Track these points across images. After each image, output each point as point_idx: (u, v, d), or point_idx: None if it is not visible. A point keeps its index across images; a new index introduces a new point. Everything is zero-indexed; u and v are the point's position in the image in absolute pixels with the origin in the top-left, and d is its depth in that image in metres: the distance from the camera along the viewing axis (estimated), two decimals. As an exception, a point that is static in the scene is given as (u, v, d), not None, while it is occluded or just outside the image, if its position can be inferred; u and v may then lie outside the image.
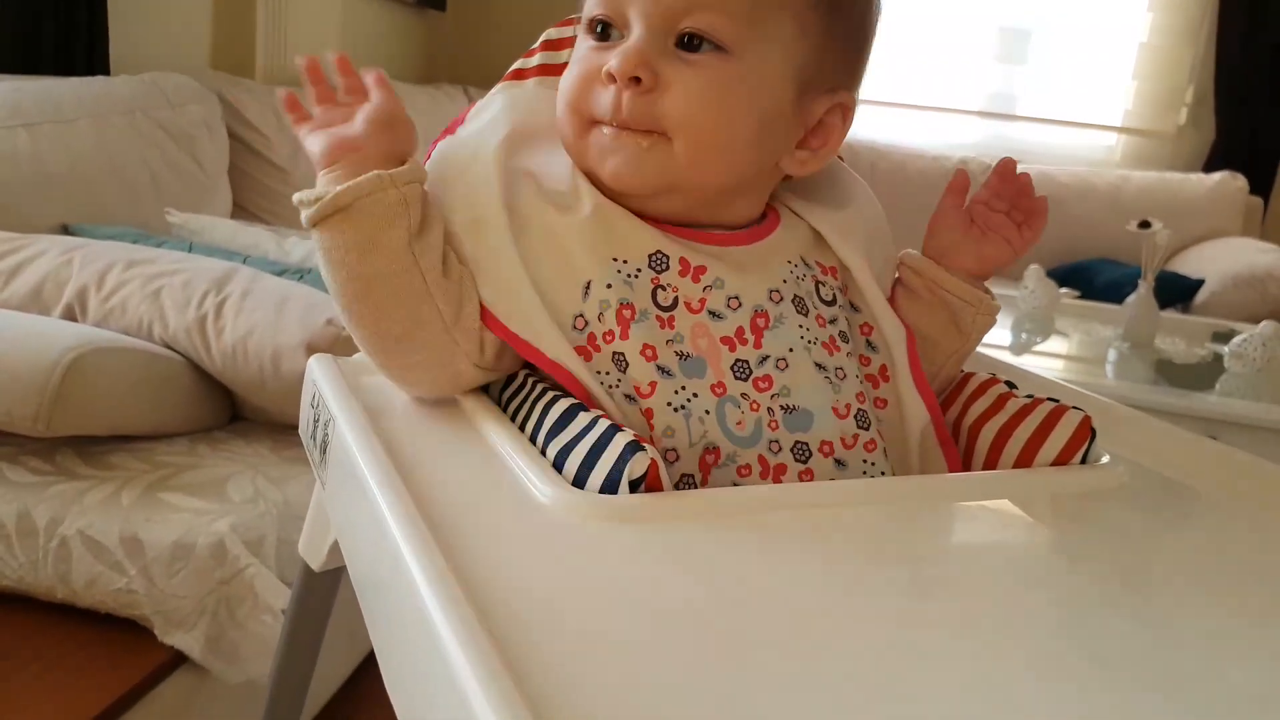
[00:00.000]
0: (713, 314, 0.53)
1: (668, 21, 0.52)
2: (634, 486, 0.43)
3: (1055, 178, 3.17)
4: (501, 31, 3.19)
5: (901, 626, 0.37)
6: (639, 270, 0.52)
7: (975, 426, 0.57)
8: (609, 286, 0.51)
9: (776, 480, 0.51)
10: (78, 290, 1.14)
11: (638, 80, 0.51)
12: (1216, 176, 3.18)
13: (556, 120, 0.56)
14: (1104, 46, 3.37)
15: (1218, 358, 1.93)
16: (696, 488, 0.50)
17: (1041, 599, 0.41)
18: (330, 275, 0.51)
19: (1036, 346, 2.05)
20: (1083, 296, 2.44)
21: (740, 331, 0.53)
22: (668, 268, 0.53)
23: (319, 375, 0.58)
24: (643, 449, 0.43)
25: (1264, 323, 1.83)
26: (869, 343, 0.58)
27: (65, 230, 1.46)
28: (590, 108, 0.53)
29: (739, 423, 0.51)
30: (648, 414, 0.50)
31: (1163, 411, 1.54)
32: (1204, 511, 0.55)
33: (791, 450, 0.52)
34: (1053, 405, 0.54)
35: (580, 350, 0.51)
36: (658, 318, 0.52)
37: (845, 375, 0.55)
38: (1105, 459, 0.54)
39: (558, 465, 0.46)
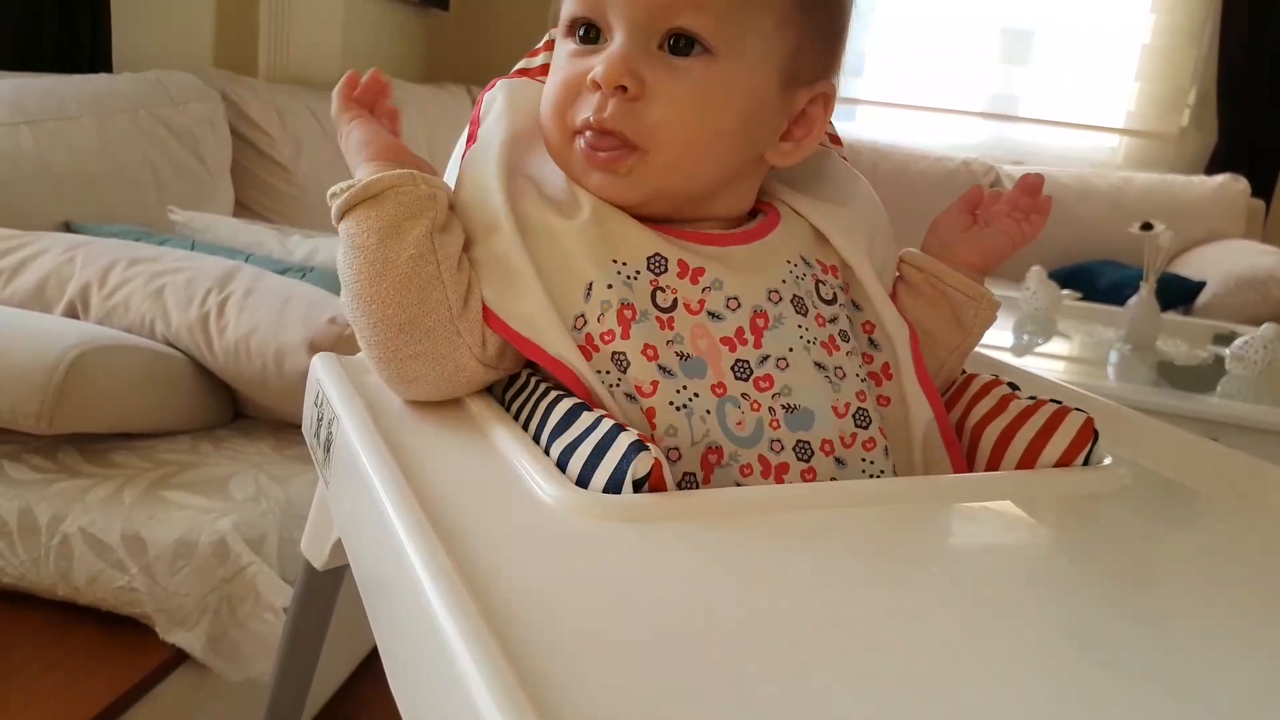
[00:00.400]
0: (712, 315, 0.53)
1: (652, 22, 0.52)
2: (638, 486, 0.43)
3: (1057, 179, 3.17)
4: (504, 30, 3.19)
5: (905, 627, 0.37)
6: (638, 272, 0.52)
7: (978, 428, 0.57)
8: (609, 287, 0.51)
9: (779, 479, 0.51)
10: (80, 288, 1.14)
11: (623, 89, 0.51)
12: (1219, 178, 3.18)
13: (541, 127, 0.56)
14: (1106, 48, 3.37)
15: (1219, 360, 1.93)
16: (698, 487, 0.50)
17: (1044, 600, 0.42)
18: (348, 260, 0.52)
19: (1038, 348, 2.05)
20: (1084, 298, 2.44)
21: (740, 332, 0.53)
22: (666, 270, 0.53)
23: (322, 374, 0.58)
24: (647, 448, 0.43)
25: (1265, 325, 1.83)
26: (871, 341, 0.58)
27: (68, 228, 1.46)
28: (573, 116, 0.54)
29: (739, 423, 0.51)
30: (649, 413, 0.50)
31: (1164, 413, 1.54)
32: (1206, 513, 0.55)
33: (794, 449, 0.52)
34: (1055, 407, 0.54)
35: (580, 350, 0.51)
36: (658, 319, 0.52)
37: (845, 374, 0.55)
38: (1108, 461, 0.54)
39: (561, 465, 0.46)
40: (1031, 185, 0.63)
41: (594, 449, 0.45)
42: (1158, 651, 0.37)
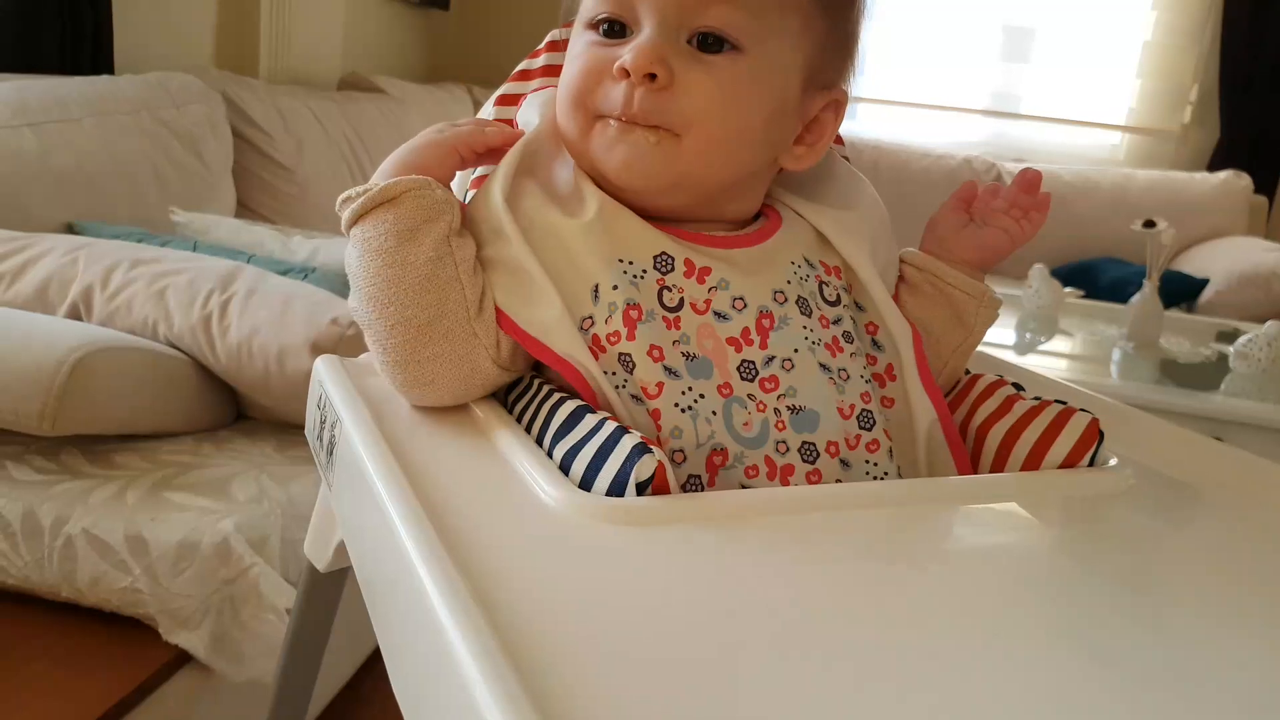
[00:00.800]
0: (718, 315, 0.53)
1: (682, 19, 0.52)
2: (641, 489, 0.43)
3: (1059, 176, 3.17)
4: (504, 30, 3.19)
5: (910, 629, 0.37)
6: (644, 271, 0.52)
7: (983, 428, 0.57)
8: (615, 288, 0.51)
9: (784, 481, 0.51)
10: (83, 289, 1.14)
11: (652, 77, 0.51)
12: (1221, 175, 3.18)
13: (557, 116, 0.56)
14: (1108, 45, 3.36)
15: (1223, 357, 1.93)
16: (703, 489, 0.50)
17: (1050, 602, 0.41)
18: (364, 262, 0.51)
19: (1041, 346, 2.05)
20: (1087, 296, 2.44)
21: (746, 332, 0.53)
22: (673, 269, 0.53)
23: (325, 376, 0.58)
24: (650, 451, 0.43)
25: (1269, 322, 1.83)
26: (875, 342, 0.58)
27: (70, 229, 1.47)
28: (596, 103, 0.53)
29: (746, 423, 0.51)
30: (655, 414, 0.50)
31: (1168, 411, 1.54)
32: (1212, 514, 0.55)
33: (799, 451, 0.52)
34: (1061, 407, 0.54)
35: (588, 351, 0.50)
36: (664, 319, 0.51)
37: (849, 376, 0.55)
38: (1113, 461, 0.54)
39: (564, 467, 0.46)
40: (1030, 181, 0.63)
41: (597, 451, 0.45)
42: (1164, 652, 0.37)
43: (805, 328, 0.54)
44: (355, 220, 0.52)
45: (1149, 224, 1.88)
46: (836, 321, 0.56)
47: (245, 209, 2.02)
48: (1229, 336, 2.04)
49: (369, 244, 0.51)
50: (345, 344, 1.08)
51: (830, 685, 0.32)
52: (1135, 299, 1.95)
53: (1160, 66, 3.37)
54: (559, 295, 0.51)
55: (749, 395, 0.51)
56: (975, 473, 0.57)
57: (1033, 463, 0.53)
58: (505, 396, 0.55)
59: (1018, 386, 0.59)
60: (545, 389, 0.52)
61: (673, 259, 0.53)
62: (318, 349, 1.06)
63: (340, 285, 1.31)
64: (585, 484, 0.44)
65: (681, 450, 0.49)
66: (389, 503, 0.41)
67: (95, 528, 0.94)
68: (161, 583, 0.92)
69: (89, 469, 1.04)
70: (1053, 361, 1.94)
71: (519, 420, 0.52)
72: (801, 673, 0.33)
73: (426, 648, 0.34)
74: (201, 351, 1.12)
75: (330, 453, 0.55)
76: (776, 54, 0.53)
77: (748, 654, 0.34)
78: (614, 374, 0.50)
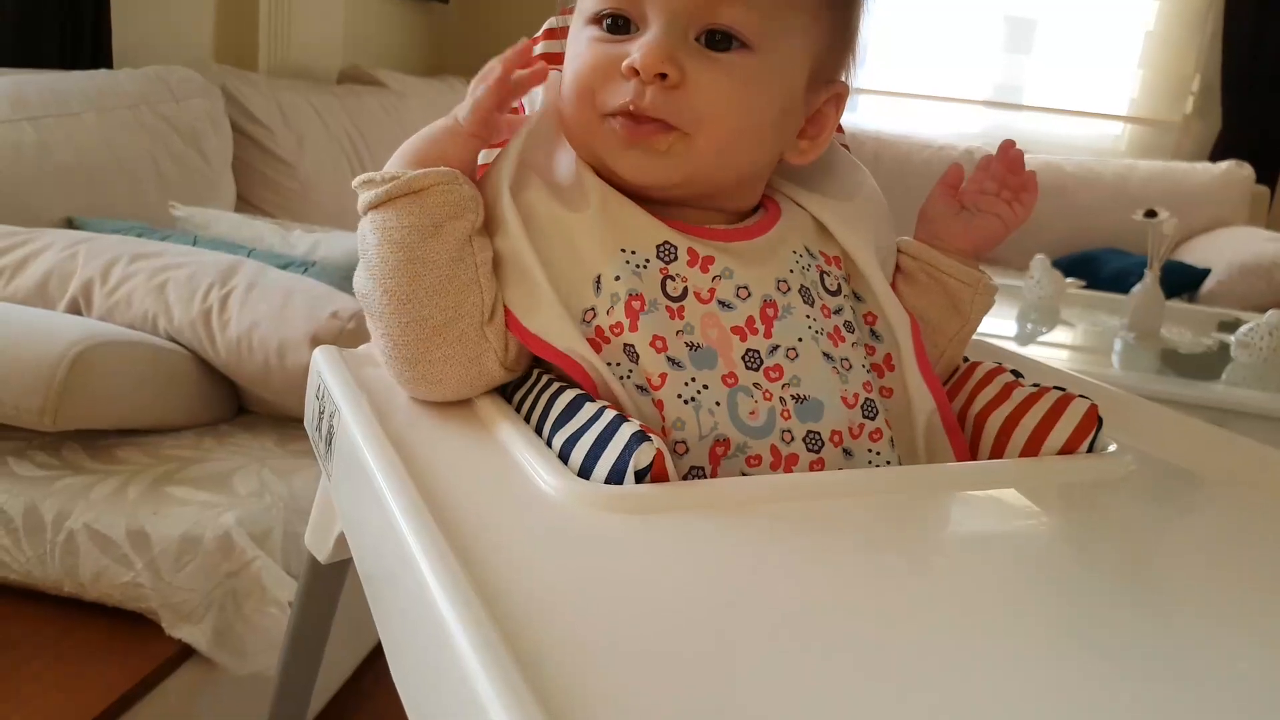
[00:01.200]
0: (722, 304, 0.52)
1: (691, 16, 0.51)
2: (640, 477, 0.43)
3: (1061, 167, 3.16)
4: (504, 23, 3.18)
5: (909, 616, 0.37)
6: (647, 261, 0.52)
7: (981, 415, 0.57)
8: (617, 279, 0.51)
9: (788, 470, 0.51)
10: (83, 284, 1.14)
11: (662, 76, 0.51)
12: (1223, 165, 3.17)
13: (563, 113, 0.56)
14: (1110, 35, 3.35)
15: (1224, 347, 1.93)
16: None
17: (1049, 588, 0.41)
18: (384, 255, 0.50)
19: (1042, 336, 2.05)
20: (1088, 286, 2.43)
21: (750, 321, 0.52)
22: (676, 258, 0.53)
23: (324, 367, 0.58)
24: (649, 439, 0.43)
25: (1270, 312, 1.83)
26: (873, 332, 0.58)
27: (70, 224, 1.47)
28: (605, 101, 0.53)
29: (752, 412, 0.51)
30: (659, 405, 0.49)
31: (1169, 401, 1.53)
32: (1211, 500, 0.55)
33: (804, 440, 0.51)
34: (1059, 394, 0.54)
35: (589, 343, 0.50)
36: (667, 308, 0.51)
37: (851, 365, 0.55)
38: (1112, 447, 0.54)
39: (563, 456, 0.46)
40: (1013, 159, 0.63)
41: (596, 440, 0.45)
42: (1162, 639, 0.37)
43: (808, 317, 0.54)
44: (376, 205, 0.51)
45: (1150, 214, 1.88)
46: (838, 311, 0.56)
47: (245, 203, 2.01)
48: (1230, 326, 2.04)
49: (389, 234, 0.50)
50: (345, 338, 1.07)
51: (828, 672, 0.32)
52: (1137, 289, 1.95)
53: (1162, 57, 3.36)
54: (559, 290, 0.51)
55: (754, 384, 0.51)
56: (974, 460, 0.57)
57: (1032, 449, 0.53)
58: (504, 386, 0.55)
59: (1016, 373, 0.59)
60: (544, 378, 0.52)
61: (676, 248, 0.53)
62: (318, 342, 1.06)
63: (340, 279, 1.31)
64: (584, 472, 0.44)
65: (684, 442, 0.49)
66: (388, 493, 0.41)
67: (97, 523, 0.94)
68: (164, 577, 0.92)
69: (90, 464, 1.04)
70: (1054, 352, 1.94)
71: (518, 409, 0.52)
72: (800, 661, 0.33)
73: (426, 638, 0.34)
74: (202, 345, 1.12)
75: (329, 444, 0.55)
76: (785, 52, 0.53)
77: (747, 642, 0.34)
78: (618, 365, 0.50)
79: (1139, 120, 3.45)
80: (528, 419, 0.51)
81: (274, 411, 1.21)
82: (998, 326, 1.96)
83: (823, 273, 0.57)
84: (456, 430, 0.50)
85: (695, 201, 0.56)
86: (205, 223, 1.55)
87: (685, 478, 0.49)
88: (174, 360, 1.11)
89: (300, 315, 1.09)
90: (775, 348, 0.52)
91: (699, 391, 0.50)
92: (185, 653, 0.94)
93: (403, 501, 0.40)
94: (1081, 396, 0.54)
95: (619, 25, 0.53)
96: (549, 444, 0.47)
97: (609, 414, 0.46)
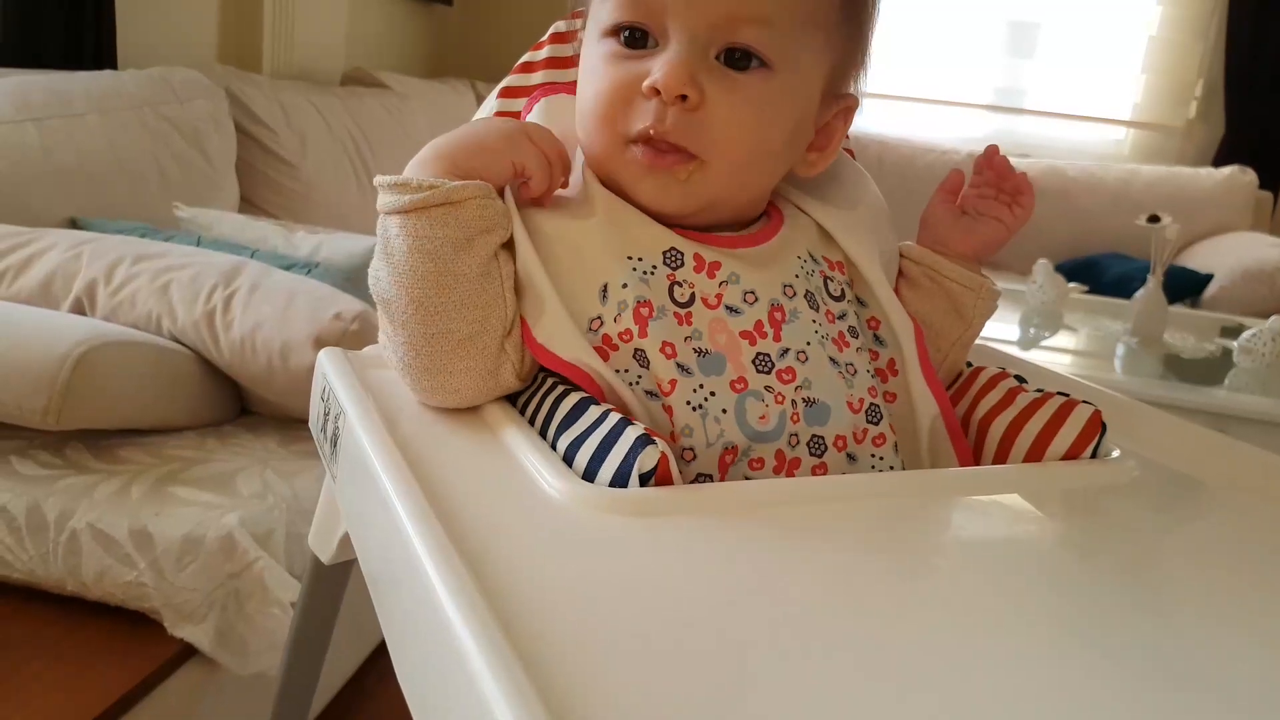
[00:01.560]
0: (730, 309, 0.52)
1: (712, 34, 0.51)
2: (644, 480, 0.43)
3: (1064, 172, 3.16)
4: (508, 25, 3.18)
5: (912, 620, 0.37)
6: (654, 267, 0.52)
7: (985, 421, 0.57)
8: (625, 286, 0.51)
9: (790, 474, 0.51)
10: (87, 284, 1.15)
11: (684, 97, 0.50)
12: (1226, 171, 3.17)
13: (581, 131, 0.55)
14: (1113, 40, 3.35)
15: (1227, 353, 1.93)
16: None
17: (1052, 594, 0.41)
18: (414, 264, 0.49)
19: (1044, 341, 2.05)
20: (1091, 291, 2.43)
21: (759, 325, 0.52)
22: (683, 264, 0.53)
23: (329, 368, 0.58)
24: (654, 442, 0.43)
25: (1273, 317, 1.83)
26: (877, 337, 0.58)
27: (74, 225, 1.47)
28: (627, 125, 0.52)
29: (762, 417, 0.50)
30: (669, 410, 0.49)
31: (1172, 407, 1.53)
32: (1215, 506, 0.55)
33: (808, 444, 0.52)
34: (1063, 399, 0.54)
35: (597, 351, 0.50)
36: (675, 314, 0.51)
37: (856, 370, 0.55)
38: (1116, 453, 0.54)
39: (568, 459, 0.46)
40: (998, 167, 0.63)
41: (601, 442, 0.45)
42: (1166, 645, 0.37)
43: (814, 322, 0.54)
44: (408, 210, 0.49)
45: (1154, 219, 1.88)
46: (842, 316, 0.56)
47: (248, 204, 2.02)
48: (1233, 332, 2.03)
49: (421, 244, 0.49)
50: (348, 339, 1.08)
51: (831, 676, 0.32)
52: (1139, 294, 1.95)
53: (1165, 62, 3.36)
54: (564, 300, 0.50)
55: (766, 387, 0.51)
56: (978, 465, 0.57)
57: (1035, 455, 0.53)
58: (509, 389, 0.55)
59: (1020, 379, 0.59)
60: (549, 381, 0.52)
61: (682, 254, 0.53)
62: (321, 344, 1.07)
63: (343, 281, 1.31)
64: (589, 475, 0.44)
65: (692, 449, 0.49)
66: (393, 494, 0.41)
67: (100, 522, 0.95)
68: (166, 577, 0.93)
69: (94, 464, 1.04)
70: (1056, 357, 1.94)
71: (522, 412, 0.52)
72: (803, 664, 0.33)
73: (432, 639, 0.34)
74: (205, 346, 1.12)
75: (334, 445, 0.55)
76: (803, 70, 0.53)
77: (750, 645, 0.34)
78: (627, 371, 0.50)
79: (1142, 125, 3.45)
80: (532, 422, 0.51)
81: (277, 412, 1.21)
82: (1000, 331, 1.96)
83: (826, 278, 0.57)
84: (462, 433, 0.50)
85: (701, 215, 0.56)
86: (209, 223, 1.55)
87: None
88: (177, 361, 1.12)
89: (303, 316, 1.10)
90: (785, 351, 0.52)
91: (707, 399, 0.50)
92: (187, 653, 0.94)
93: (408, 503, 0.40)
94: (1085, 402, 0.54)
95: (637, 39, 0.53)
96: (554, 447, 0.47)
97: (614, 417, 0.46)
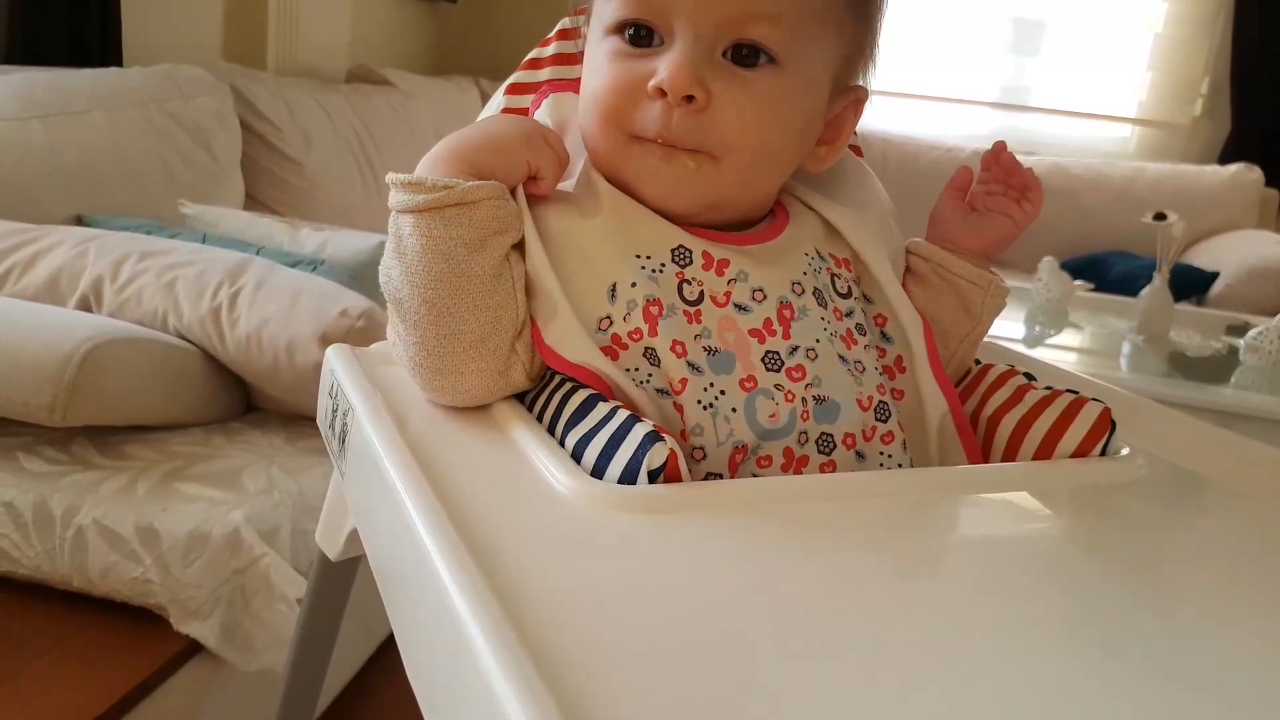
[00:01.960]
0: (739, 307, 0.52)
1: (719, 32, 0.51)
2: (653, 477, 0.43)
3: (1069, 169, 3.16)
4: (512, 23, 3.18)
5: (921, 618, 0.37)
6: (663, 265, 0.52)
7: (994, 418, 0.57)
8: (634, 285, 0.51)
9: (798, 472, 0.51)
10: (93, 281, 1.15)
11: (690, 98, 0.50)
12: (1232, 168, 3.16)
13: (586, 130, 0.55)
14: (1119, 37, 3.35)
15: (1233, 351, 1.92)
16: None
17: (1060, 592, 0.41)
18: (428, 265, 0.48)
19: (1050, 339, 2.05)
20: (1097, 289, 2.43)
21: (768, 323, 0.52)
22: (691, 261, 0.52)
23: (337, 365, 0.58)
24: (662, 439, 0.43)
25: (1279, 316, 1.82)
26: (884, 334, 0.58)
27: (79, 221, 1.47)
28: (632, 124, 0.52)
29: (772, 415, 0.50)
30: (679, 409, 0.49)
31: (1177, 405, 1.53)
32: (1224, 504, 0.54)
33: (816, 442, 0.51)
34: (1072, 397, 0.54)
35: (606, 351, 0.50)
36: (685, 313, 0.51)
37: (864, 368, 0.55)
38: (1125, 451, 0.53)
39: (576, 455, 0.46)
40: (1005, 164, 0.62)
41: (609, 439, 0.45)
42: (1174, 642, 0.37)
43: (823, 319, 0.54)
44: (421, 210, 0.48)
45: (1160, 216, 1.87)
46: (849, 314, 0.56)
47: (253, 201, 2.02)
48: (1239, 330, 2.03)
49: (435, 244, 0.48)
50: (354, 336, 1.08)
51: (839, 672, 0.32)
52: (1145, 292, 1.94)
53: (1171, 59, 3.36)
54: (572, 301, 0.50)
55: (776, 386, 0.51)
56: (987, 463, 0.56)
57: (1044, 452, 0.53)
58: (517, 385, 0.55)
59: (1029, 376, 0.59)
60: (557, 378, 0.51)
61: (690, 252, 0.52)
62: (327, 341, 1.07)
63: (348, 278, 1.31)
64: (597, 472, 0.44)
65: (702, 448, 0.49)
66: (403, 491, 0.41)
67: (106, 518, 0.95)
68: (172, 573, 0.93)
69: (100, 460, 1.04)
70: (1062, 354, 1.93)
71: (530, 409, 0.52)
72: (811, 661, 0.33)
73: (442, 634, 0.34)
74: (211, 343, 1.12)
75: (342, 441, 0.55)
76: (812, 65, 0.53)
77: (758, 642, 0.34)
78: (637, 370, 0.50)
79: (1147, 123, 3.45)
80: (540, 418, 0.51)
81: (283, 409, 1.21)
82: (1005, 329, 1.96)
83: (833, 275, 0.57)
84: (470, 430, 0.50)
85: (709, 214, 0.55)
86: (214, 220, 1.55)
87: None
88: (183, 357, 1.12)
89: (309, 313, 1.10)
90: (795, 348, 0.52)
91: (717, 398, 0.50)
92: (193, 649, 0.94)
93: (418, 500, 0.40)
94: (1095, 400, 0.53)
95: (642, 36, 0.52)
96: (562, 444, 0.47)
97: (622, 414, 0.46)
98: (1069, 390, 0.55)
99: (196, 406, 1.15)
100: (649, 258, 0.52)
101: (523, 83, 0.66)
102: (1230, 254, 2.79)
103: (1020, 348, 1.81)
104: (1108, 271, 2.75)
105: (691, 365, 0.50)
